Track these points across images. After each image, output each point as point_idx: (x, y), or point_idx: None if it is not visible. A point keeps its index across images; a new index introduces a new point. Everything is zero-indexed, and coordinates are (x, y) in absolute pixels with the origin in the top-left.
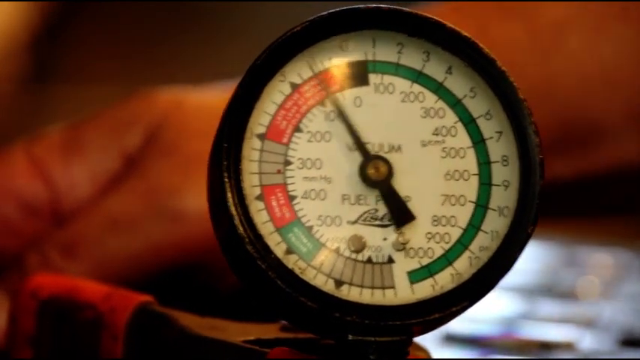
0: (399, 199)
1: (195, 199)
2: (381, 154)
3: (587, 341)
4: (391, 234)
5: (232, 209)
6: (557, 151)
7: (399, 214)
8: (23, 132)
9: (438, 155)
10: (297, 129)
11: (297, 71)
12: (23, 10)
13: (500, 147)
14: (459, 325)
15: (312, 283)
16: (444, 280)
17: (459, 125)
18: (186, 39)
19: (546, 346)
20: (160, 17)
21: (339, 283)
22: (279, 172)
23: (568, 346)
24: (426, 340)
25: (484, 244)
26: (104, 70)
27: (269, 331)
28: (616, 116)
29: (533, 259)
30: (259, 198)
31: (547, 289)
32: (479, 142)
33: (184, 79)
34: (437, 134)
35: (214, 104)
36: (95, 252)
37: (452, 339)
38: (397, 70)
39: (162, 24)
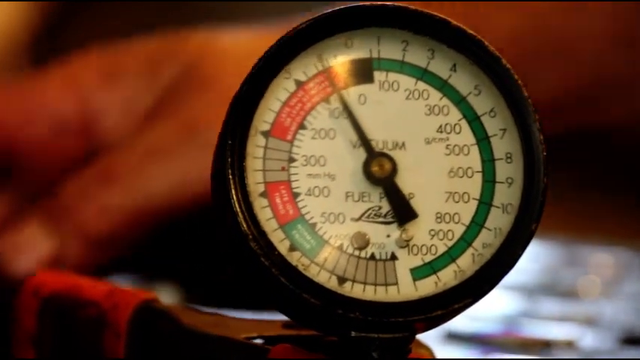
0: (402, 197)
1: None
2: (385, 151)
3: (588, 340)
4: (395, 231)
5: (236, 206)
6: (572, 107)
7: (402, 211)
8: None
9: (442, 152)
10: (302, 126)
11: (302, 68)
12: (23, 10)
13: (505, 144)
14: (461, 322)
15: (316, 279)
16: (447, 277)
17: (463, 122)
18: None
19: (547, 345)
20: (160, 17)
21: (342, 280)
22: (283, 169)
23: (569, 345)
24: (428, 338)
25: (487, 241)
26: None
27: (271, 327)
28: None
29: (535, 257)
30: (263, 195)
31: (548, 288)
32: (483, 139)
33: None
34: (441, 131)
35: (248, 45)
36: (133, 180)
37: (453, 337)
38: (402, 67)
39: (162, 24)
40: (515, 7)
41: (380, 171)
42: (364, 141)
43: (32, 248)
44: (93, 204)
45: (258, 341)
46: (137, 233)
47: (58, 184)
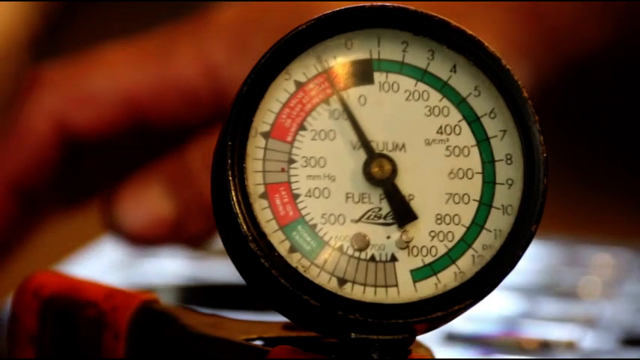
0: (402, 199)
1: None
2: (385, 152)
3: (588, 340)
4: (395, 232)
5: (236, 207)
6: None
7: (402, 213)
8: None
9: (442, 154)
10: (302, 127)
11: (302, 69)
12: (23, 10)
13: (505, 145)
14: (461, 324)
15: (316, 281)
16: (447, 279)
17: (463, 124)
18: None
19: (547, 346)
20: (160, 18)
21: (342, 282)
22: (283, 170)
23: (569, 346)
24: (427, 339)
25: (487, 242)
26: None
27: (271, 329)
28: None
29: (535, 258)
30: (263, 196)
31: (548, 289)
32: (483, 140)
33: None
34: (441, 133)
35: None
36: None
37: (453, 338)
38: (402, 68)
39: (162, 24)
40: None
41: (380, 172)
42: (364, 142)
43: (155, 212)
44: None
45: (258, 343)
46: None
47: (184, 150)
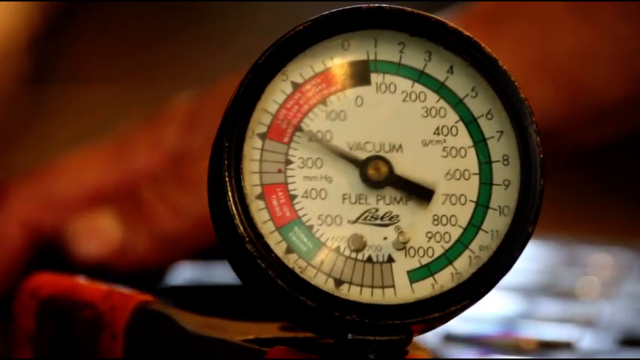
0: (412, 183)
1: None
2: (382, 153)
3: (586, 341)
4: (391, 233)
5: (233, 208)
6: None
7: (421, 193)
8: (23, 132)
9: (439, 155)
10: (299, 128)
11: (299, 70)
12: (23, 10)
13: (501, 146)
14: (459, 324)
15: (312, 282)
16: (444, 280)
17: (460, 125)
18: (186, 39)
19: (546, 346)
20: (160, 17)
21: (339, 283)
22: (279, 171)
23: (568, 346)
24: (425, 339)
25: (484, 243)
26: (104, 70)
27: (268, 330)
28: (617, 94)
29: (533, 258)
30: (260, 197)
31: (547, 289)
32: (480, 141)
33: (184, 79)
34: (438, 134)
35: None
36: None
37: (451, 338)
38: (399, 69)
39: (162, 24)
40: (581, 18)
41: (376, 174)
42: (349, 158)
43: (103, 234)
44: (167, 203)
45: (255, 343)
46: (204, 238)
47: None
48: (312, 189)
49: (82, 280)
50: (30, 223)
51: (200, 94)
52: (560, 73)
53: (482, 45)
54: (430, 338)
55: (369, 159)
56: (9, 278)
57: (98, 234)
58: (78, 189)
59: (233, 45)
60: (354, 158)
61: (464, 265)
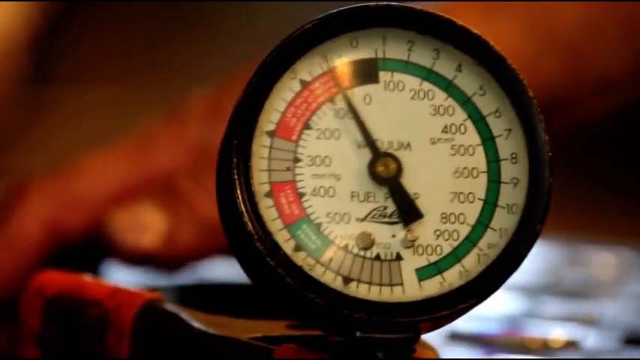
0: (407, 197)
1: None
2: (391, 151)
3: (590, 340)
4: (400, 231)
5: (241, 206)
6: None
7: (407, 211)
8: (23, 132)
9: (447, 153)
10: (307, 126)
11: (308, 68)
12: (23, 10)
13: (510, 144)
14: (463, 323)
15: (321, 280)
16: (452, 278)
17: (469, 123)
18: (186, 39)
19: (550, 345)
20: (160, 18)
21: (347, 280)
22: (288, 169)
23: (571, 345)
24: (431, 338)
25: (492, 241)
26: (104, 70)
27: (276, 328)
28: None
29: (537, 257)
30: (268, 195)
31: (551, 288)
32: (488, 139)
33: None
34: (446, 132)
35: None
36: None
37: (457, 337)
38: (407, 67)
39: (162, 24)
40: None
41: (385, 171)
42: (369, 142)
43: (149, 227)
44: (207, 190)
45: (263, 341)
46: None
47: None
48: (321, 187)
49: (88, 279)
50: (50, 222)
51: (218, 88)
52: (564, 47)
53: (491, 43)
54: (435, 337)
55: (379, 154)
56: (24, 276)
57: (144, 227)
58: (100, 188)
59: (233, 45)
60: (374, 143)
61: (472, 263)
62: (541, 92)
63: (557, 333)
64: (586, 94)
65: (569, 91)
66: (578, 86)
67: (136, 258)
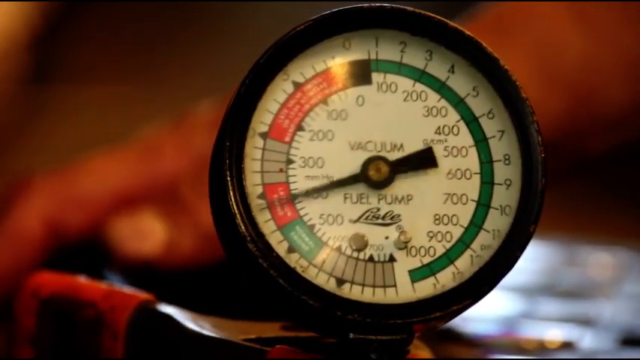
0: (412, 156)
1: None
2: (383, 152)
3: (587, 341)
4: (393, 232)
5: (234, 208)
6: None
7: (422, 158)
8: (23, 132)
9: (441, 154)
10: (300, 128)
11: (300, 70)
12: (23, 10)
13: (503, 146)
14: (459, 324)
15: (314, 281)
16: (446, 279)
17: (461, 124)
18: (186, 39)
19: (546, 346)
20: (160, 17)
21: (340, 282)
22: (281, 170)
23: (568, 346)
24: (426, 339)
25: (486, 242)
26: (104, 70)
27: (270, 329)
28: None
29: (534, 258)
30: (261, 197)
31: (547, 289)
32: (481, 140)
33: (184, 80)
34: (439, 133)
35: None
36: None
37: (452, 338)
38: (400, 69)
39: (162, 24)
40: (586, 29)
41: (377, 175)
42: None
43: (149, 234)
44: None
45: (256, 343)
46: None
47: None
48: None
49: (82, 280)
50: (51, 220)
51: (225, 99)
52: (568, 85)
53: (483, 44)
54: (430, 338)
55: (370, 159)
56: (23, 272)
57: (144, 234)
58: (102, 189)
59: (233, 45)
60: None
61: (465, 265)
62: (544, 129)
63: (554, 334)
64: (589, 132)
65: (572, 129)
66: (581, 124)
67: (136, 265)
